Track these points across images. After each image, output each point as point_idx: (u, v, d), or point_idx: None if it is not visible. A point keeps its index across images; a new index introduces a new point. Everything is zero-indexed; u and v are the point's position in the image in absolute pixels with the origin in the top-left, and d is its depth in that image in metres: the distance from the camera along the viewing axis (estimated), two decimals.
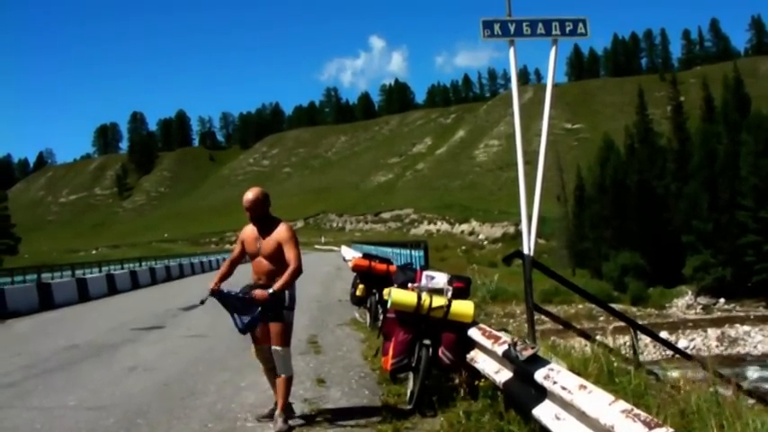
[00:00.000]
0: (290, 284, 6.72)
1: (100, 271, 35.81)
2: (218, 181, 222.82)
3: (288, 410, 6.90)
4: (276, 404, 6.95)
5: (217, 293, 6.76)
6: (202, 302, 6.96)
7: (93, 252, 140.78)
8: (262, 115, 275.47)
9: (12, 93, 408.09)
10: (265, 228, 6.81)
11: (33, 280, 27.55)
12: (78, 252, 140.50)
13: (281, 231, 6.75)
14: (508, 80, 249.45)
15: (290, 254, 6.69)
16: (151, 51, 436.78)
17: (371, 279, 13.15)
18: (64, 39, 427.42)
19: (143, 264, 44.30)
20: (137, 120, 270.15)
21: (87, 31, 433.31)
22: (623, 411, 3.92)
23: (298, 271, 6.70)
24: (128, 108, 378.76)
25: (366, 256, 14.56)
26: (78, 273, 33.20)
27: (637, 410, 3.88)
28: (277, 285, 6.59)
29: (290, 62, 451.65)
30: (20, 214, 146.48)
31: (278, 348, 6.83)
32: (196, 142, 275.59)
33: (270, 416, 6.95)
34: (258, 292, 6.61)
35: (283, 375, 6.85)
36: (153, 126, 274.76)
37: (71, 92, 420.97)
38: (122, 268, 37.90)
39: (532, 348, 5.65)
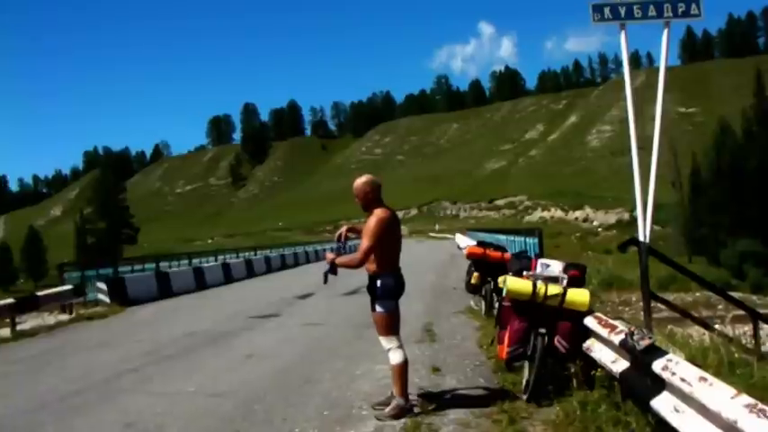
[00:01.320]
0: (346, 266, 6.96)
1: (216, 260, 36.94)
2: (331, 170, 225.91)
3: (402, 398, 6.94)
4: (392, 392, 7.04)
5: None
6: (326, 276, 7.19)
7: (209, 241, 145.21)
8: (373, 104, 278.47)
9: (128, 88, 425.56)
10: (367, 215, 6.94)
11: (152, 269, 28.67)
12: (194, 241, 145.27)
13: (367, 221, 6.87)
14: (620, 64, 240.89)
15: (361, 243, 6.81)
16: (262, 44, 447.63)
17: (486, 267, 13.05)
18: (177, 33, 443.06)
19: (258, 252, 45.34)
20: (249, 111, 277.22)
21: (200, 26, 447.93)
22: (747, 406, 3.75)
23: (357, 262, 6.85)
24: (240, 100, 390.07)
25: (480, 243, 14.46)
26: (195, 262, 34.39)
27: (762, 405, 3.70)
28: (338, 258, 6.99)
29: (400, 50, 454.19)
30: (138, 205, 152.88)
31: (379, 337, 7.00)
32: (308, 132, 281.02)
33: (385, 404, 7.02)
34: (328, 254, 7.11)
35: (391, 363, 6.94)
36: (265, 117, 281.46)
37: (185, 85, 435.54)
38: (238, 257, 38.89)
39: (650, 339, 5.50)
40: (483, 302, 13.80)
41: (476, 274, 13.44)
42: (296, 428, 6.72)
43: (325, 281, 7.19)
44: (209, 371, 9.90)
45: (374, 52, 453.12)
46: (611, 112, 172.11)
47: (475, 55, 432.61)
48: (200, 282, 27.24)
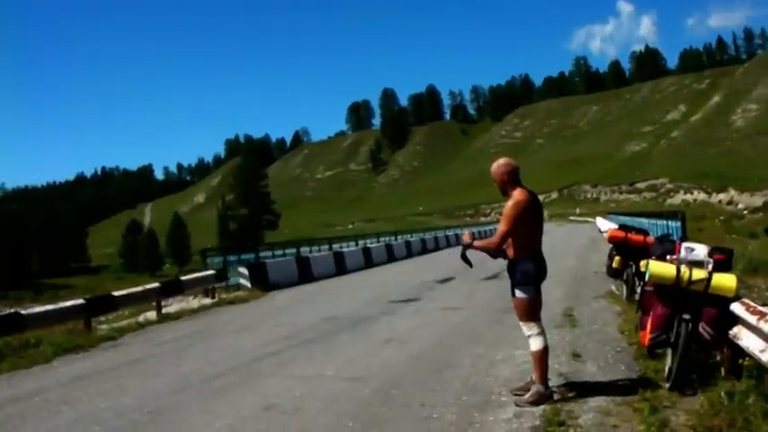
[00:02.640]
0: (482, 250, 6.90)
1: (356, 245, 37.50)
2: (470, 154, 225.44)
3: (541, 384, 6.81)
4: (531, 378, 6.94)
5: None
6: (466, 258, 7.18)
7: (350, 226, 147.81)
8: (511, 87, 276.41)
9: (269, 77, 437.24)
10: (506, 199, 6.84)
11: (293, 254, 29.37)
12: (335, 226, 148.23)
13: (506, 204, 6.77)
14: (767, 39, 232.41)
15: (499, 227, 6.73)
16: (401, 28, 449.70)
17: (628, 251, 12.86)
18: (317, 23, 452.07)
19: (398, 237, 45.74)
20: (388, 96, 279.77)
21: (339, 15, 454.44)
22: None
23: (494, 246, 6.78)
24: (379, 85, 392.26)
25: (622, 227, 14.17)
26: (335, 246, 35.00)
27: None
28: (475, 242, 6.93)
29: (538, 31, 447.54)
30: (279, 191, 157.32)
31: (519, 323, 6.94)
32: (447, 116, 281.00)
33: (525, 389, 6.92)
34: (464, 236, 7.07)
35: (531, 349, 6.86)
36: (404, 102, 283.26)
37: (324, 72, 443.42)
38: (378, 242, 39.35)
39: None
40: (624, 287, 13.55)
41: (617, 258, 13.34)
42: (434, 414, 6.68)
43: (469, 264, 7.18)
44: (348, 355, 10.02)
45: (512, 35, 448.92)
46: (757, 90, 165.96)
47: (614, 35, 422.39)
48: (340, 266, 27.68)
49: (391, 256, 34.28)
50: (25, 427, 7.25)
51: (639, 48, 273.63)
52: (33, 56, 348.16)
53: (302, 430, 6.52)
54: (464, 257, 7.15)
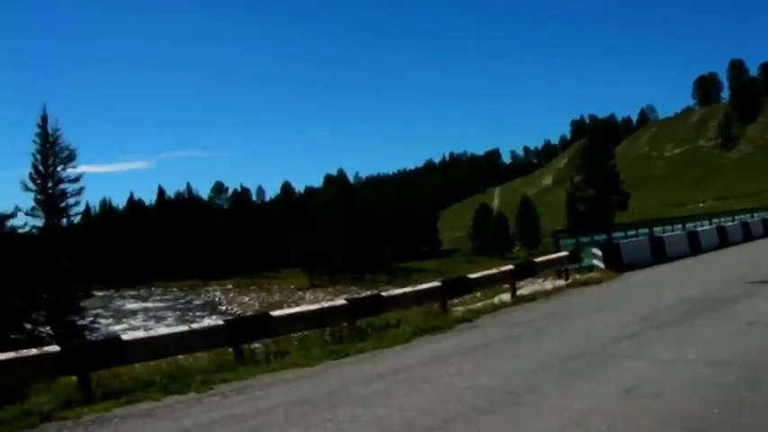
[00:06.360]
0: None
1: (710, 223, 35.30)
2: None
3: None
4: None
5: None
6: None
7: (701, 205, 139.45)
8: None
9: (613, 55, 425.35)
10: None
11: (645, 234, 28.34)
12: (685, 205, 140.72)
13: None
14: None
15: None
16: None
17: None
18: None
19: (755, 215, 42.36)
20: (736, 67, 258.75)
21: None
22: None
23: None
24: (725, 56, 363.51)
25: None
26: (689, 226, 33.21)
27: None
28: None
29: None
30: (626, 171, 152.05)
31: None
32: None
33: None
34: None
35: None
36: (754, 72, 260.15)
37: (666, 47, 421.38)
38: (732, 221, 36.73)
39: None
40: None
41: None
42: None
43: None
44: (708, 338, 9.50)
45: None
46: None
47: None
48: (695, 246, 26.25)
49: (747, 235, 31.73)
50: (390, 402, 7.67)
51: None
52: (379, 54, 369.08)
53: (664, 415, 6.28)
54: None
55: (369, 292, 17.14)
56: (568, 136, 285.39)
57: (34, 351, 9.52)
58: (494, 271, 17.85)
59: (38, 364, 9.19)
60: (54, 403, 8.69)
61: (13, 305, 26.11)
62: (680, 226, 32.65)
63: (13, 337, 24.60)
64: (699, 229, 30.24)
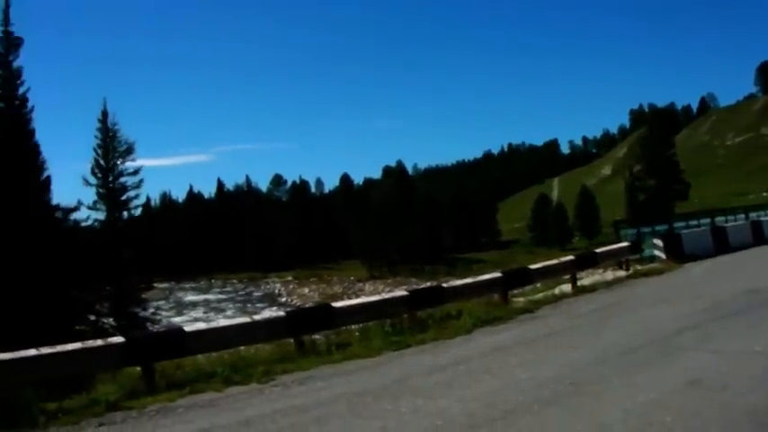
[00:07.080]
0: None
1: None
2: None
3: None
4: None
5: None
6: None
7: (764, 194, 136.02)
8: None
9: (671, 43, 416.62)
10: None
11: (707, 224, 27.77)
12: (747, 195, 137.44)
13: None
14: None
15: None
16: None
17: None
18: None
19: None
20: None
21: None
22: None
23: None
24: None
25: None
26: (752, 215, 32.43)
27: None
28: None
29: None
30: (687, 160, 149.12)
31: None
32: None
33: None
34: None
35: None
36: None
37: (728, 33, 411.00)
38: None
39: None
40: None
41: None
42: None
43: None
44: None
45: None
46: None
47: None
48: (758, 236, 25.57)
49: None
50: (452, 393, 7.70)
51: None
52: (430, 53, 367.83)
53: (730, 408, 6.18)
54: None
55: (429, 284, 17.08)
56: (627, 125, 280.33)
57: (99, 342, 9.80)
58: (554, 261, 17.79)
59: (103, 354, 9.45)
60: (119, 393, 8.93)
61: (77, 297, 26.65)
62: (742, 215, 31.91)
63: (77, 328, 25.11)
64: (762, 218, 29.48)
